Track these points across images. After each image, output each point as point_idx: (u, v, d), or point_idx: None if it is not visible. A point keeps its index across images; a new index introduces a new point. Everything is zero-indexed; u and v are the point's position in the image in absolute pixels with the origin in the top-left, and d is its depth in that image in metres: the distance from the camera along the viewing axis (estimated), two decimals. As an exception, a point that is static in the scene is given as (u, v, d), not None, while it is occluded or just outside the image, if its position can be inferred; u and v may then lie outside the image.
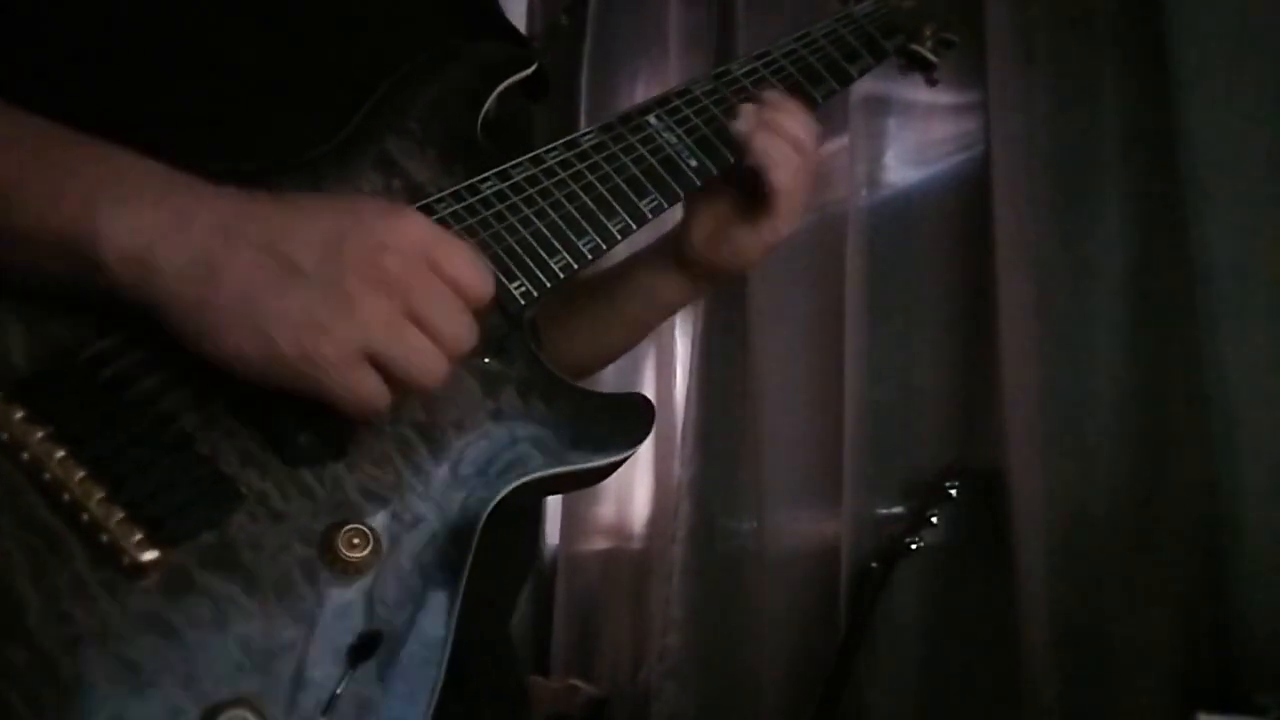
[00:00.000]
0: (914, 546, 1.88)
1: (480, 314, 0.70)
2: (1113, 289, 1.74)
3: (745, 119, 0.88)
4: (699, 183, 0.87)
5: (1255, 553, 1.54)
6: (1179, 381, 1.65)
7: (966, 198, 2.01)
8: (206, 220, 0.59)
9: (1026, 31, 1.85)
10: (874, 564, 1.91)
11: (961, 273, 2.00)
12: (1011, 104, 1.88)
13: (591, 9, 2.84)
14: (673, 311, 1.02)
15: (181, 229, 0.59)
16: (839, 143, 2.23)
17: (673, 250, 0.96)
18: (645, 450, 2.56)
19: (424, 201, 0.73)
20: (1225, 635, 1.55)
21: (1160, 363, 1.68)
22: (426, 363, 0.61)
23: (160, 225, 0.58)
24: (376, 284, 0.59)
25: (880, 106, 2.13)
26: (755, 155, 0.87)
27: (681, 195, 0.86)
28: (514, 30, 0.98)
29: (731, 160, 0.88)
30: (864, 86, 2.12)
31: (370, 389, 0.60)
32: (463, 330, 0.63)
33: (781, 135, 0.88)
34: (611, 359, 1.06)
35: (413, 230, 0.62)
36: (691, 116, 0.88)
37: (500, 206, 0.76)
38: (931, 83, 1.13)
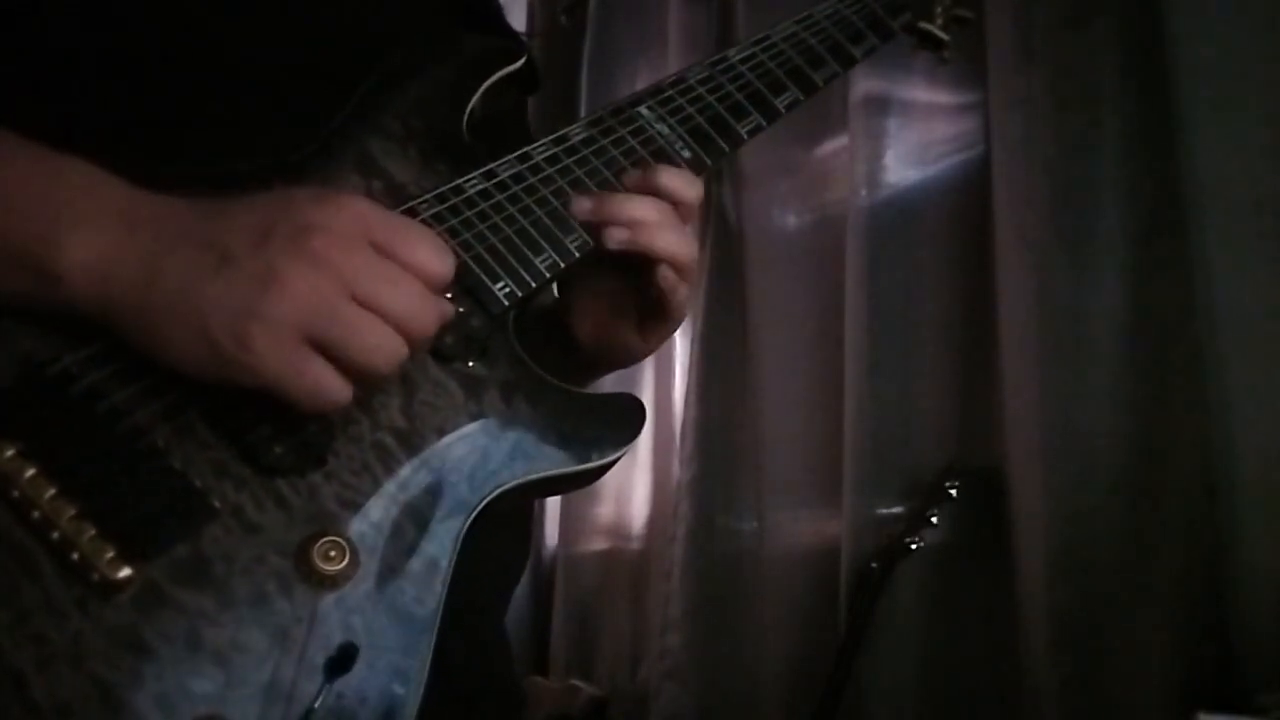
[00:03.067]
0: (914, 546, 1.88)
1: (462, 317, 0.69)
2: (1112, 289, 1.74)
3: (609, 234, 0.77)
4: (695, 175, 0.83)
5: (1255, 552, 1.54)
6: (1179, 381, 1.65)
7: (966, 198, 2.00)
8: (153, 227, 0.59)
9: (1026, 31, 1.85)
10: (874, 564, 1.91)
11: (961, 273, 1.99)
12: (1011, 104, 1.87)
13: (591, 9, 2.84)
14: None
15: (132, 239, 0.58)
16: (839, 143, 2.23)
17: (564, 338, 0.86)
18: (644, 450, 2.57)
19: (407, 204, 0.71)
20: (1225, 635, 1.55)
21: (1160, 363, 1.68)
22: (375, 341, 0.59)
23: (115, 239, 0.58)
24: (308, 264, 0.58)
25: (880, 106, 2.13)
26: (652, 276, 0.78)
27: None
28: (506, 24, 0.96)
29: (727, 150, 0.85)
30: (864, 86, 2.12)
31: (316, 376, 0.58)
32: (417, 308, 0.61)
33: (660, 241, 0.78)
34: None
35: (348, 211, 0.60)
36: (685, 106, 0.85)
37: (484, 205, 0.74)
38: (942, 61, 1.09)
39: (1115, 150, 1.75)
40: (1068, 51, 1.81)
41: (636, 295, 0.81)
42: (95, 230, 0.59)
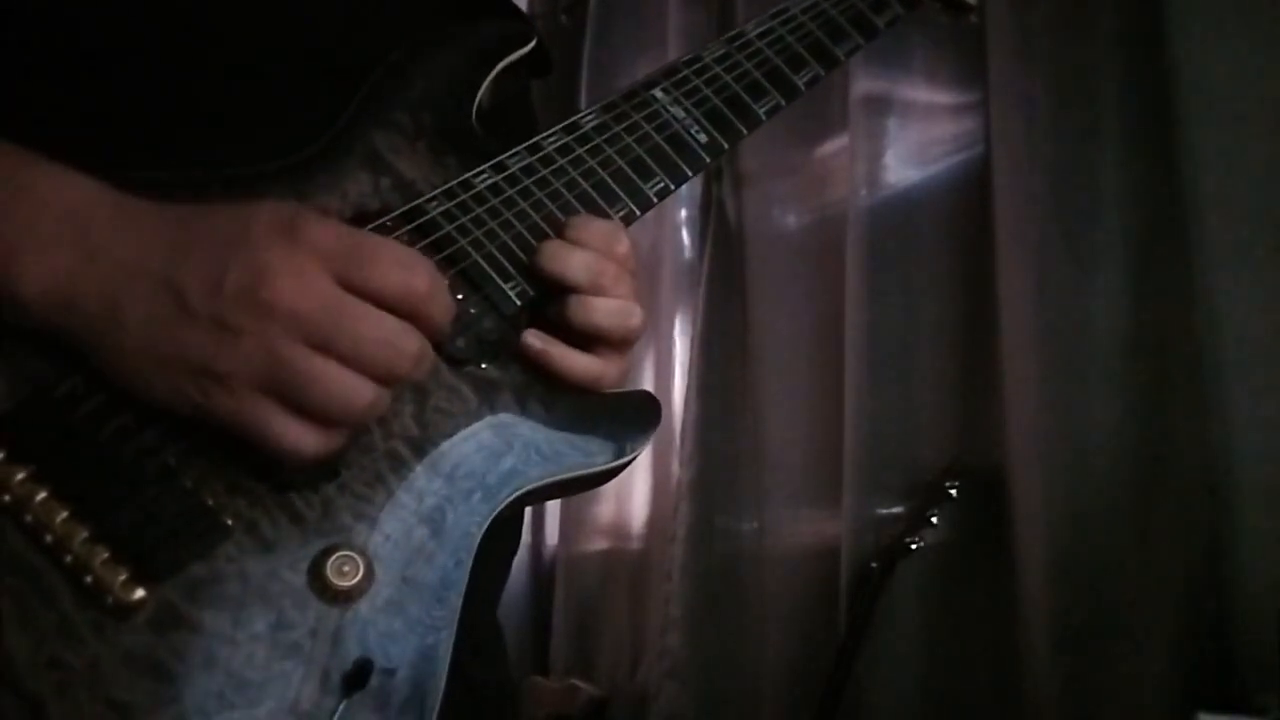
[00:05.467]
0: (914, 546, 1.88)
1: (474, 318, 0.68)
2: (1112, 288, 1.74)
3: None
4: (708, 159, 0.80)
5: (1255, 552, 1.54)
6: (1179, 381, 1.65)
7: (966, 198, 2.01)
8: (112, 257, 0.57)
9: (1026, 31, 1.85)
10: (874, 564, 1.91)
11: (961, 272, 2.00)
12: (1011, 104, 1.88)
13: (591, 9, 2.84)
14: None
15: (90, 269, 0.57)
16: (839, 143, 2.23)
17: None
18: (645, 450, 2.56)
19: (415, 201, 0.70)
20: (1225, 635, 1.55)
21: (1160, 363, 1.68)
22: (337, 391, 0.56)
23: (72, 268, 0.57)
24: (260, 315, 0.55)
25: (880, 106, 2.13)
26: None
27: (690, 175, 0.80)
28: (514, 7, 0.93)
29: (746, 132, 0.82)
30: (864, 86, 2.12)
31: (280, 431, 0.56)
32: (385, 344, 0.57)
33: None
34: None
35: (307, 245, 0.57)
36: (702, 87, 0.82)
37: (494, 201, 0.72)
38: (969, 24, 1.05)
39: (1115, 150, 1.76)
40: (1068, 51, 1.81)
41: None
42: (53, 255, 0.57)
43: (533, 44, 0.82)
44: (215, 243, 0.57)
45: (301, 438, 0.57)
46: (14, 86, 0.67)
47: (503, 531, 0.78)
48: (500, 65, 0.79)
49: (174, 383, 0.56)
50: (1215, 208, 1.64)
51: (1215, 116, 1.65)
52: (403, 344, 0.58)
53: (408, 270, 0.59)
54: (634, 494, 2.60)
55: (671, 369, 2.55)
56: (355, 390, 0.57)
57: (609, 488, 2.74)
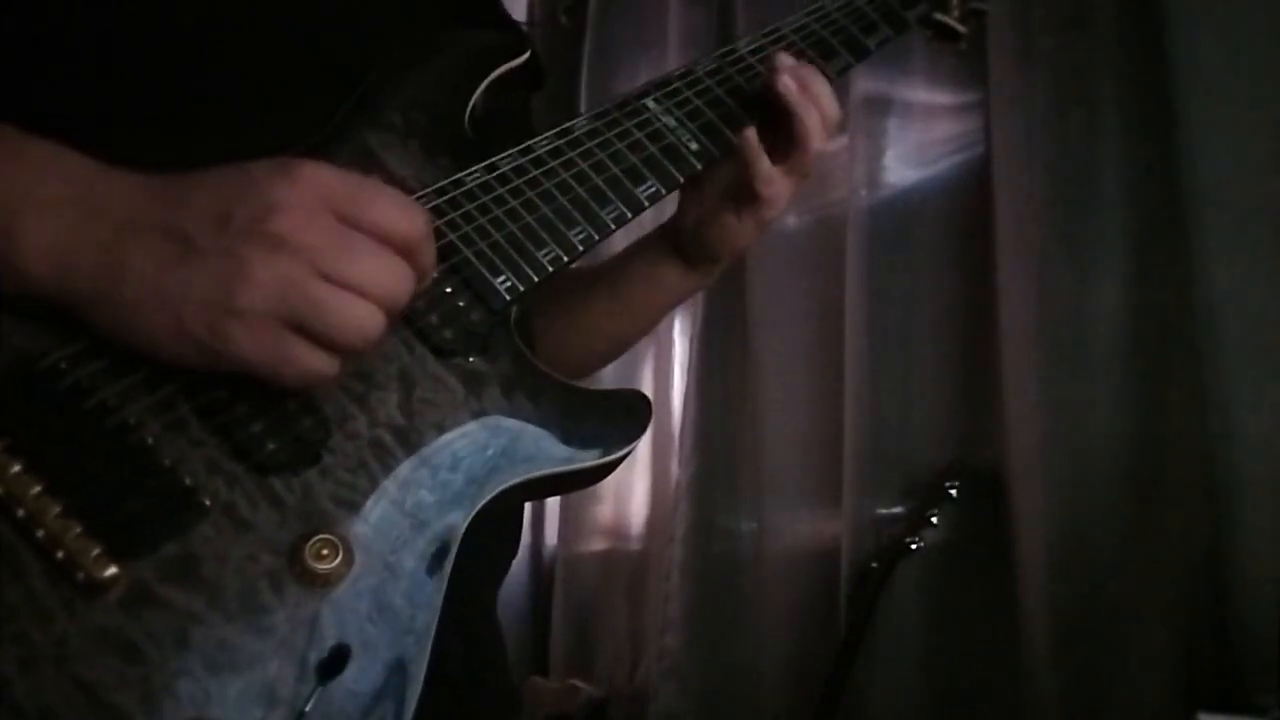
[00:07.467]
0: (914, 546, 1.88)
1: (462, 311, 0.68)
2: (1112, 289, 1.74)
3: (783, 78, 0.85)
4: (700, 166, 0.83)
5: (1255, 553, 1.54)
6: (1179, 382, 1.65)
7: (966, 198, 2.00)
8: (112, 214, 0.58)
9: (1026, 31, 1.85)
10: (874, 564, 1.91)
11: (961, 273, 2.00)
12: (1011, 104, 1.88)
13: (591, 9, 2.83)
14: (680, 298, 0.99)
15: (90, 227, 0.57)
16: (839, 143, 2.23)
17: (669, 236, 0.94)
18: (644, 450, 2.56)
19: None
20: (1225, 635, 1.55)
21: (1160, 363, 1.68)
22: (349, 315, 0.58)
23: (72, 227, 0.57)
24: (271, 246, 0.57)
25: (880, 106, 2.13)
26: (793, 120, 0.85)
27: (682, 180, 0.82)
28: (510, 19, 0.95)
29: (736, 142, 0.85)
30: (864, 86, 2.12)
31: (297, 357, 0.57)
32: (386, 274, 0.59)
33: (815, 105, 0.86)
34: (620, 350, 1.03)
35: (306, 183, 0.58)
36: (693, 99, 0.85)
37: (485, 199, 0.73)
38: (960, 53, 1.09)
39: (1115, 150, 1.76)
40: (1068, 51, 1.81)
41: (739, 188, 0.87)
42: (53, 216, 0.57)
43: (526, 56, 0.83)
44: (214, 189, 0.58)
45: (321, 364, 0.58)
46: (9, 94, 0.68)
47: (498, 530, 0.78)
48: (493, 74, 0.80)
49: (182, 326, 0.56)
50: (1215, 206, 1.63)
51: (1215, 116, 1.65)
52: (403, 276, 0.60)
53: (404, 211, 0.61)
54: (633, 494, 2.60)
55: (670, 368, 2.55)
56: (369, 316, 0.59)
57: (608, 488, 2.75)
